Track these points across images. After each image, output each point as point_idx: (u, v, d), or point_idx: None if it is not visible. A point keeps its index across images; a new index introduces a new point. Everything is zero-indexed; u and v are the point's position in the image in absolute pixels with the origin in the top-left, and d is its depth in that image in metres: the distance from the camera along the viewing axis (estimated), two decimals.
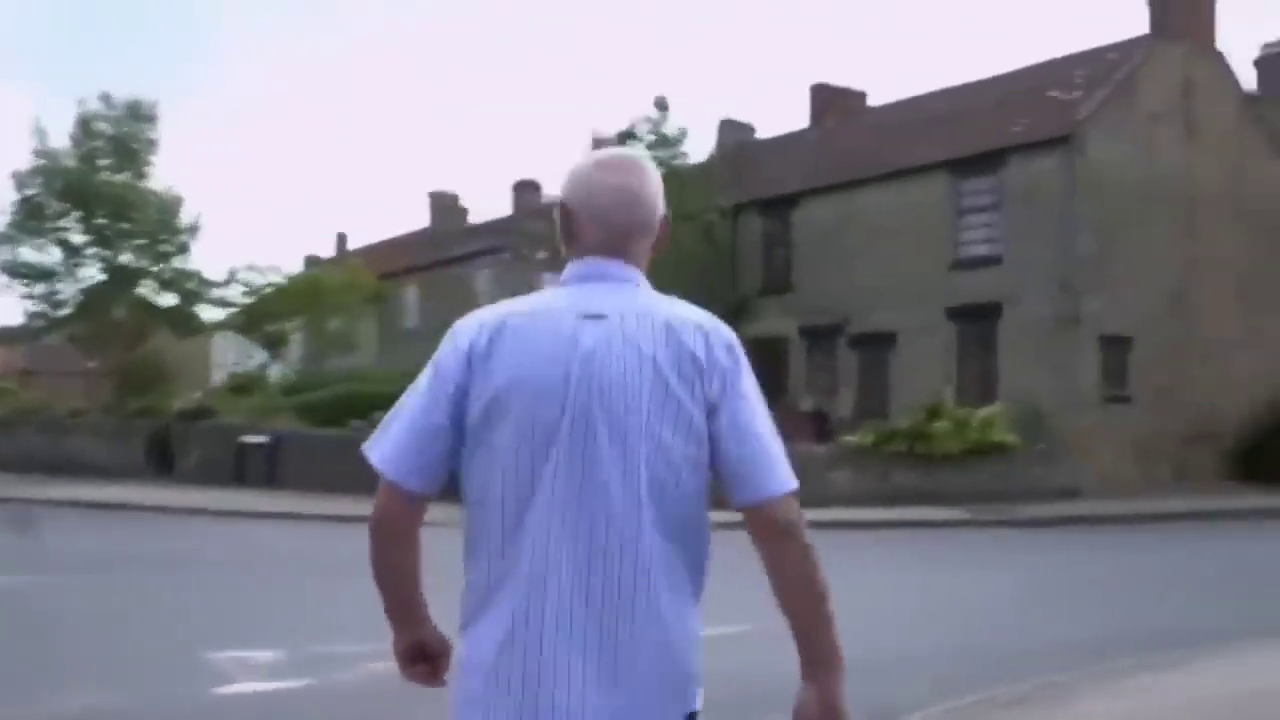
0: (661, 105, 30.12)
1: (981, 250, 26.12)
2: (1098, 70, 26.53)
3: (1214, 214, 26.74)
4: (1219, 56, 27.66)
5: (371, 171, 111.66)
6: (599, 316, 2.24)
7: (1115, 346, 24.77)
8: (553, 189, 38.88)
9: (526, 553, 2.18)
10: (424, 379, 2.29)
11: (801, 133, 35.77)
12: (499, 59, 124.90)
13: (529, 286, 37.28)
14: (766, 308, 30.62)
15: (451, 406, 2.24)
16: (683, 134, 30.59)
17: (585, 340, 2.21)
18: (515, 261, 36.99)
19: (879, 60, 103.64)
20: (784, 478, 2.24)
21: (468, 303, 43.51)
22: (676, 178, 30.34)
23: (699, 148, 32.49)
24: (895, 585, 13.13)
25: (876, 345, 27.85)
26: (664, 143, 30.40)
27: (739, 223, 31.61)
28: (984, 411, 22.56)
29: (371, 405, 27.97)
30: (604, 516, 2.17)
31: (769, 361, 30.21)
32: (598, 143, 30.56)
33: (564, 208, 2.38)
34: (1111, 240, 24.68)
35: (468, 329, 2.27)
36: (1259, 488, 24.79)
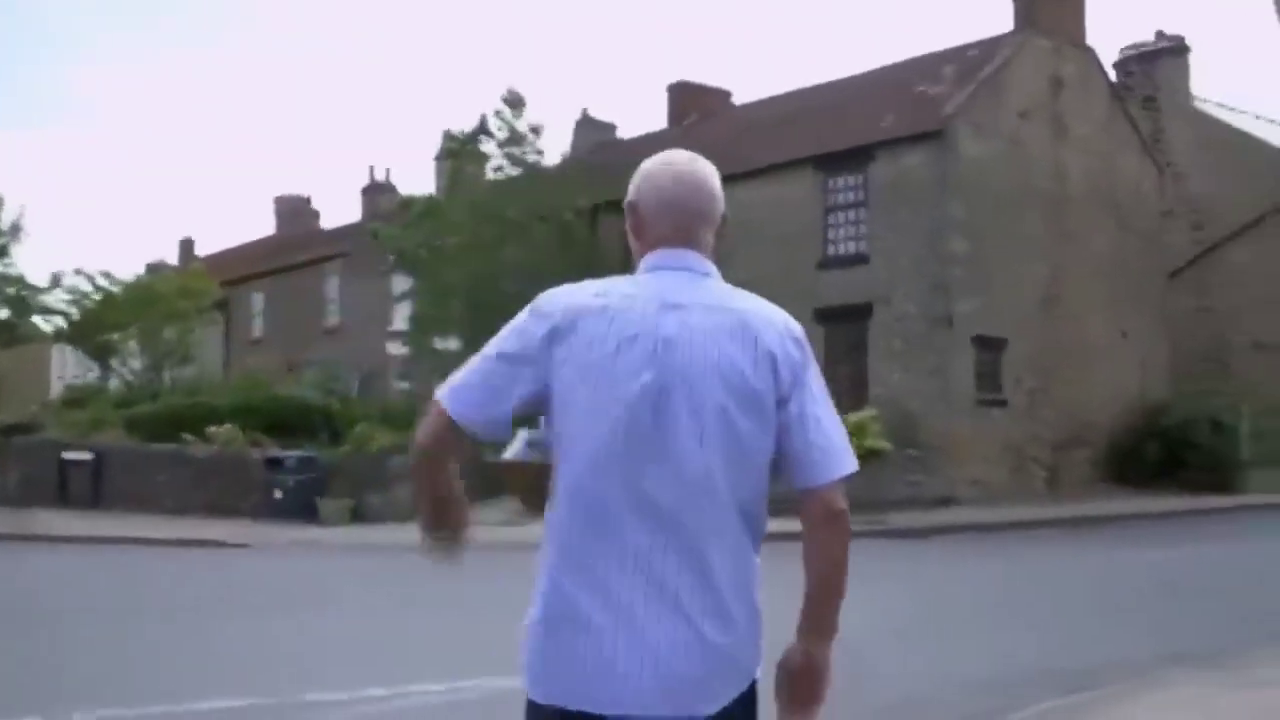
0: (514, 100, 28.54)
1: (850, 249, 25.11)
2: (966, 66, 25.74)
3: (1084, 213, 26.13)
4: (1088, 53, 27.09)
5: (222, 176, 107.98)
6: (678, 306, 2.38)
7: (988, 348, 23.88)
8: (406, 188, 37.38)
9: (607, 515, 2.31)
10: (504, 340, 2.43)
11: (664, 132, 34.51)
12: (350, 57, 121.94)
13: (378, 292, 35.91)
14: None
15: (530, 371, 2.37)
16: (537, 130, 29.06)
17: (666, 327, 2.35)
18: (360, 266, 35.20)
19: (743, 60, 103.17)
20: (848, 462, 2.42)
21: (316, 310, 41.95)
22: (531, 177, 28.93)
23: (556, 148, 31.10)
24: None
25: None
26: (516, 139, 28.85)
27: (598, 223, 30.19)
28: (854, 416, 21.46)
29: (208, 417, 26.26)
30: (680, 489, 2.30)
31: None
32: (450, 138, 29.01)
33: (632, 205, 2.57)
34: (983, 239, 23.84)
35: (553, 305, 2.41)
36: (1131, 491, 24.24)
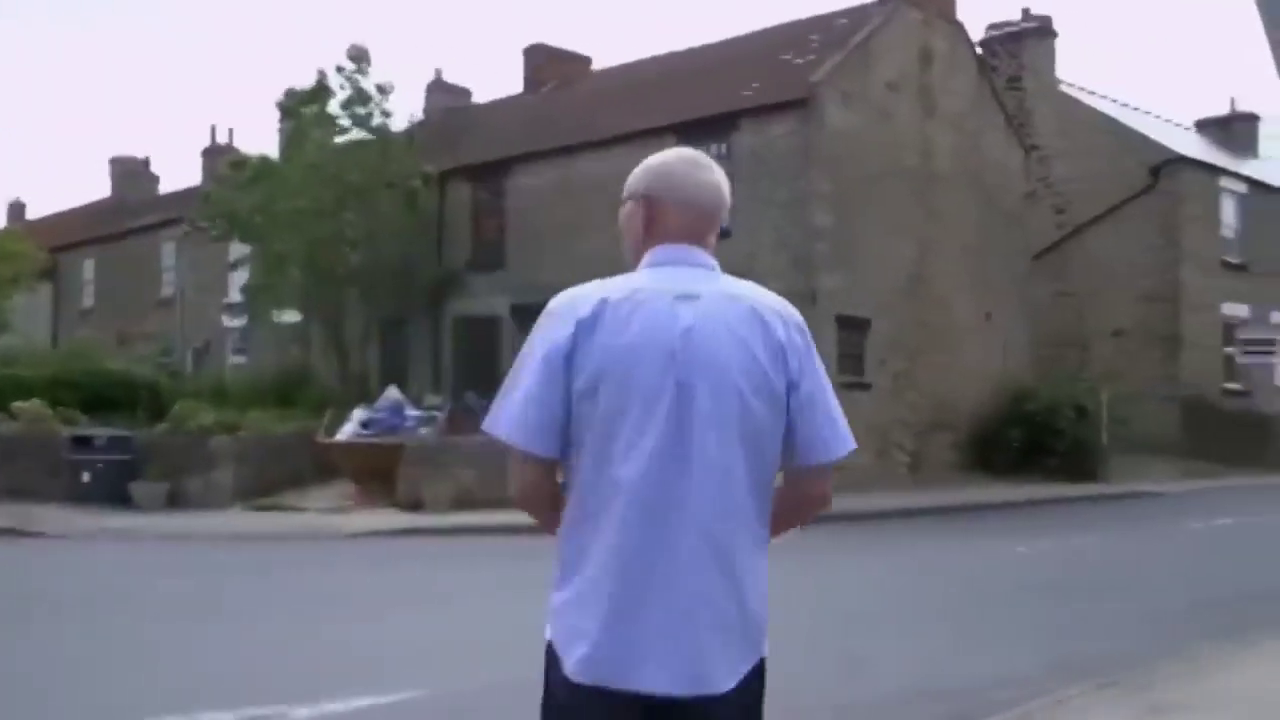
0: (358, 57, 26.72)
1: None
2: (834, 34, 24.75)
3: (951, 192, 25.38)
4: (958, 27, 26.31)
5: (56, 136, 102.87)
6: (693, 297, 2.48)
7: (853, 329, 22.89)
8: (249, 148, 35.18)
9: (631, 498, 2.40)
10: (536, 352, 2.49)
11: (519, 97, 33.01)
12: (195, 8, 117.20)
13: (216, 261, 33.83)
14: (476, 284, 27.77)
15: (565, 377, 2.43)
16: (384, 90, 27.28)
17: (684, 318, 2.44)
18: (197, 233, 33.05)
19: (604, 25, 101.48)
20: (849, 440, 2.60)
21: (150, 279, 39.57)
22: (378, 141, 27.24)
23: (406, 110, 29.35)
24: None
25: None
26: (361, 98, 27.06)
27: (447, 191, 28.63)
28: None
29: (16, 392, 24.13)
30: (703, 470, 2.41)
31: (478, 343, 27.47)
32: (289, 96, 27.11)
33: (647, 199, 2.63)
34: (848, 213, 22.89)
35: (571, 306, 2.48)
36: (994, 478, 23.58)
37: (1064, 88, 33.39)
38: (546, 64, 32.45)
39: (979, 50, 28.62)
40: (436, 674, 7.82)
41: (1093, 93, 34.79)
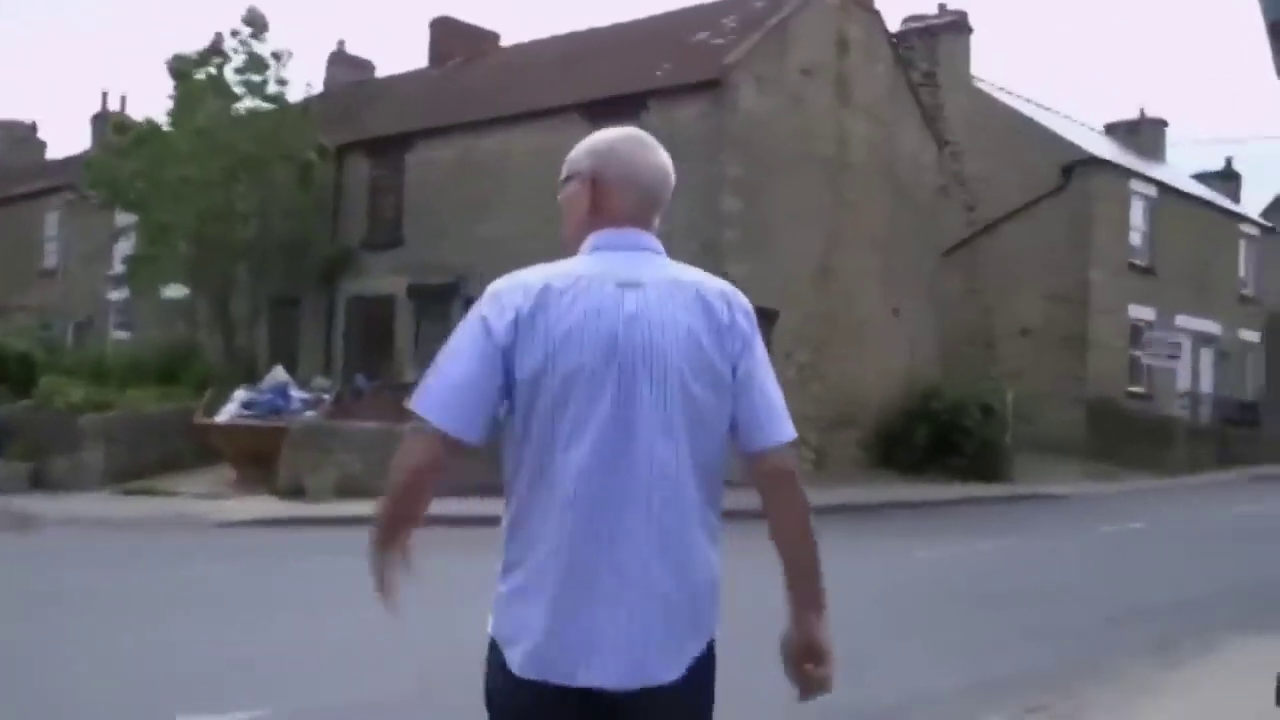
0: (254, 21, 25.45)
1: None
2: (749, 16, 24.00)
3: (863, 183, 24.80)
4: (875, 16, 25.71)
5: None
6: (636, 284, 2.44)
7: (761, 319, 21.81)
8: (143, 114, 33.67)
9: (575, 487, 2.36)
10: (467, 336, 2.42)
11: (423, 71, 31.89)
12: None
13: (101, 231, 32.25)
14: (372, 263, 26.67)
15: (502, 362, 2.38)
16: (280, 57, 26.04)
17: (628, 305, 2.41)
18: (81, 201, 31.52)
19: (517, 2, 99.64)
20: (789, 428, 2.53)
21: (33, 249, 37.88)
22: (273, 111, 26.06)
23: (305, 81, 28.12)
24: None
25: None
26: (256, 65, 25.81)
27: (344, 166, 27.49)
28: None
29: None
30: (646, 457, 2.37)
31: (373, 324, 26.43)
32: (179, 59, 25.79)
33: (593, 178, 2.57)
34: (758, 200, 22.18)
35: (512, 291, 2.42)
36: (899, 477, 23.07)
37: (978, 84, 33.06)
38: (453, 38, 31.35)
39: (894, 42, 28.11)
40: (285, 690, 6.93)
41: (1006, 91, 34.54)
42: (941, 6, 32.79)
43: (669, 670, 2.38)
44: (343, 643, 8.10)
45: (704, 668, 2.46)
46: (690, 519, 2.42)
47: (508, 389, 2.39)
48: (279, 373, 21.79)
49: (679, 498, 2.40)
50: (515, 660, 2.37)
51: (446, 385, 2.39)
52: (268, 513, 16.70)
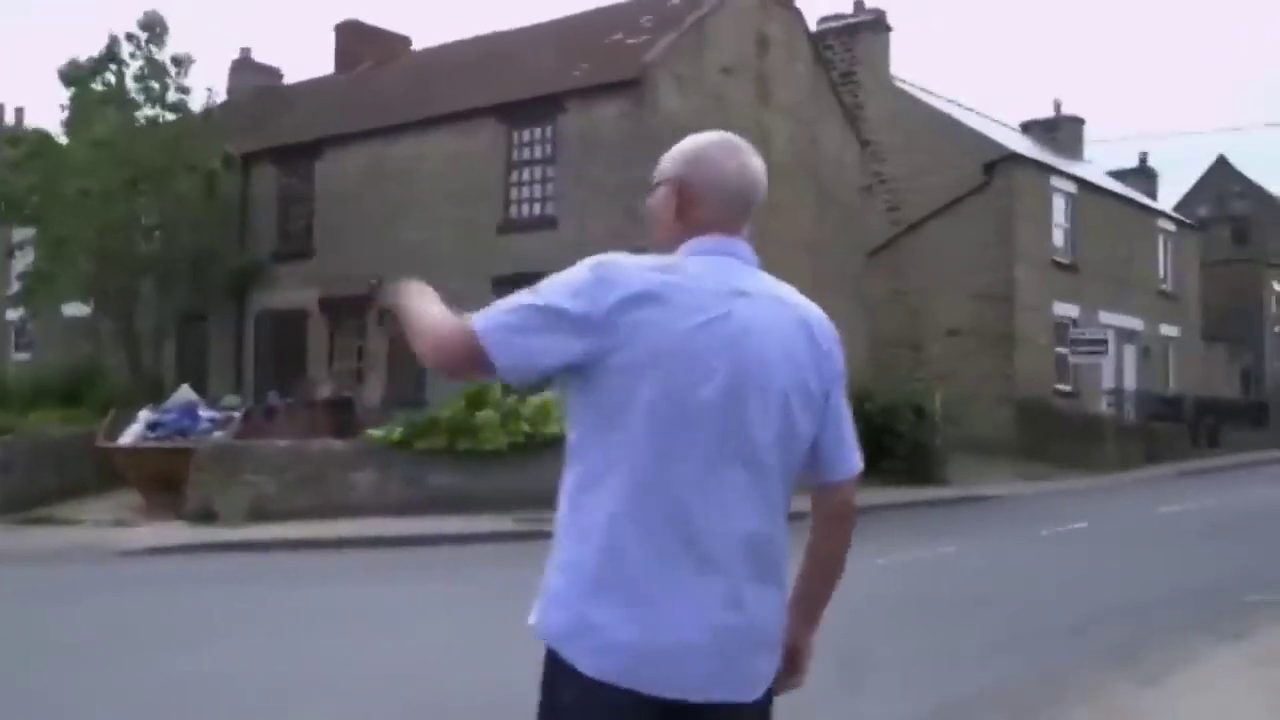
0: (152, 24, 24.42)
1: (536, 210, 22.46)
2: (666, 15, 23.42)
3: (787, 184, 24.24)
4: (795, 14, 25.26)
5: None
6: (747, 294, 2.40)
7: None
8: (35, 119, 32.40)
9: (667, 493, 2.28)
10: (560, 294, 2.30)
11: (333, 77, 30.96)
12: None
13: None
14: (282, 275, 25.74)
15: (585, 342, 2.28)
16: (181, 63, 25.03)
17: (741, 314, 2.35)
18: None
19: (428, 5, 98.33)
20: (860, 461, 2.55)
21: None
22: (174, 120, 25.08)
23: (209, 88, 27.02)
24: (432, 626, 9.02)
25: None
26: (156, 71, 24.79)
27: (252, 175, 26.54)
28: (537, 399, 18.87)
29: None
30: (750, 473, 2.33)
31: (285, 339, 25.50)
32: (73, 65, 24.66)
33: (680, 183, 2.51)
34: None
35: (622, 273, 2.32)
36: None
37: (898, 84, 32.77)
38: (361, 43, 30.47)
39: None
40: None
41: (925, 90, 34.30)
42: (858, 4, 32.44)
43: (753, 688, 2.38)
44: (252, 678, 7.33)
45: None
46: (780, 537, 2.43)
47: (581, 370, 2.32)
48: (186, 392, 20.85)
49: (773, 515, 2.39)
50: (593, 662, 2.27)
51: (509, 314, 2.32)
52: (177, 539, 15.77)
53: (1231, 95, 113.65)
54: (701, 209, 2.48)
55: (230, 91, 32.18)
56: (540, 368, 2.30)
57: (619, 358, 2.28)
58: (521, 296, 2.33)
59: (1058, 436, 28.60)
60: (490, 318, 2.31)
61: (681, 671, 2.27)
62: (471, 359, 2.32)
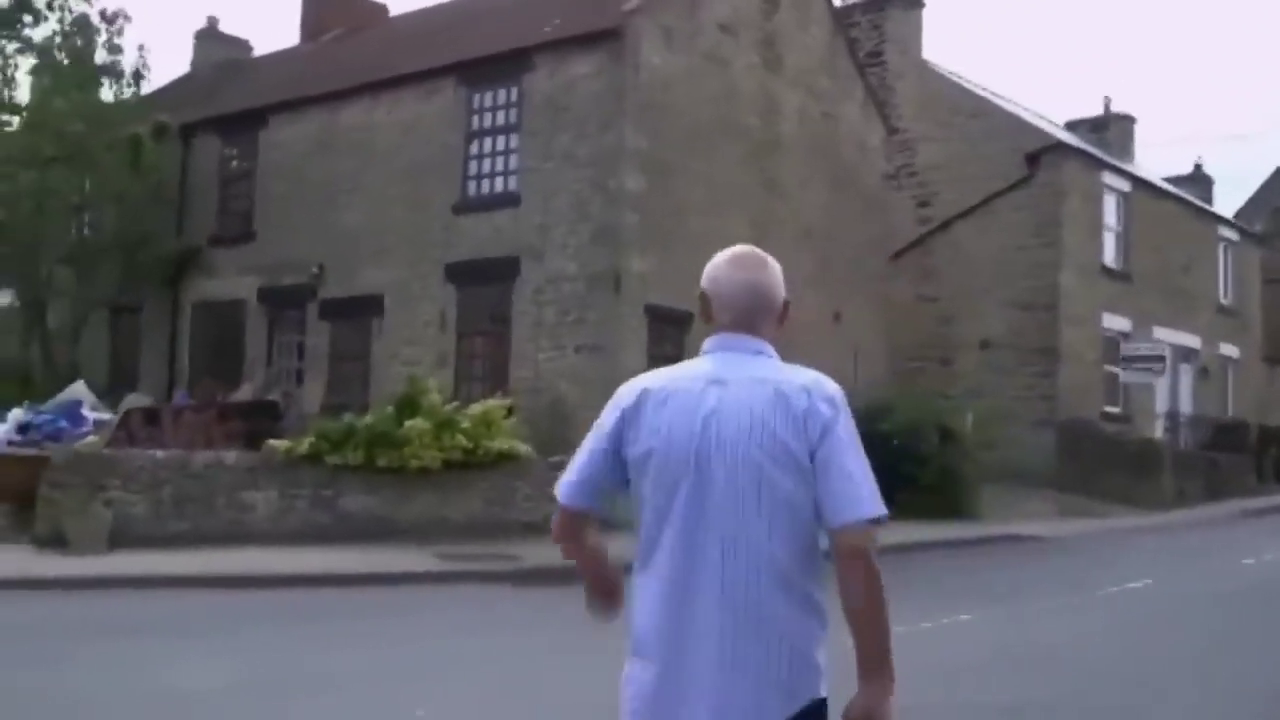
0: None
1: (497, 186, 19.21)
2: None
3: (796, 163, 21.04)
4: None
5: None
6: (722, 381, 2.78)
7: (669, 323, 18.15)
8: None
9: (667, 561, 2.73)
10: (592, 430, 2.91)
11: (299, 47, 27.91)
12: None
13: None
14: (220, 261, 22.65)
15: (611, 453, 2.85)
16: (112, 20, 22.01)
17: (709, 402, 2.74)
18: None
19: None
20: (866, 506, 2.68)
21: None
22: (103, 84, 22.09)
23: (139, 48, 24.06)
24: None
25: (357, 313, 20.30)
26: (82, 29, 21.79)
27: (193, 150, 23.46)
28: (477, 407, 15.62)
29: None
30: (718, 538, 2.69)
31: (222, 331, 22.41)
32: None
33: (704, 295, 2.94)
34: (666, 178, 18.31)
35: (624, 393, 2.88)
36: None
37: (930, 66, 29.36)
38: (331, 10, 27.41)
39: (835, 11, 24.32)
40: None
41: (960, 76, 30.83)
42: None
43: None
44: None
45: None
46: (778, 594, 2.67)
47: (624, 467, 2.83)
48: (78, 389, 17.87)
49: (760, 577, 2.66)
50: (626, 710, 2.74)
51: (571, 469, 2.90)
52: (13, 572, 12.59)
53: None
54: (718, 313, 2.90)
55: (194, 65, 29.35)
56: (598, 497, 2.94)
57: (628, 455, 2.82)
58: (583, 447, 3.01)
59: (1105, 465, 25.03)
60: (562, 479, 2.98)
61: (681, 714, 2.70)
62: (561, 516, 2.98)
